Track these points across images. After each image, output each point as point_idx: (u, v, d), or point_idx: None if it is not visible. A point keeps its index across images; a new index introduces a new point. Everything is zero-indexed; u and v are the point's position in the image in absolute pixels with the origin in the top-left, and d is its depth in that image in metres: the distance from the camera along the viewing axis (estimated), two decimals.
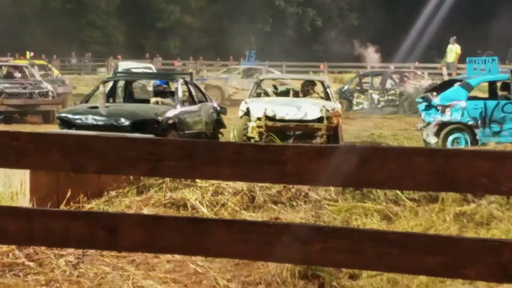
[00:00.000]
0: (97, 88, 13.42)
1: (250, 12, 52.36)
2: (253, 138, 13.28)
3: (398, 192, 7.17)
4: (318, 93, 15.80)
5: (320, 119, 13.49)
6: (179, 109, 13.00)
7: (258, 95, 15.35)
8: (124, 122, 12.00)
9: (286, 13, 56.61)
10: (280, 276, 5.15)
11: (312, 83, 16.46)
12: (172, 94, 14.33)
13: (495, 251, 2.41)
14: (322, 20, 57.90)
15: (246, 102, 14.24)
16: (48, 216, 2.78)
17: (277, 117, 13.50)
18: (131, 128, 11.76)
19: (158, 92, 15.10)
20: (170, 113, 12.60)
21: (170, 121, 12.45)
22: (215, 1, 54.27)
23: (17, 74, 22.08)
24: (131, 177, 7.31)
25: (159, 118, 12.15)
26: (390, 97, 23.63)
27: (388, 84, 24.56)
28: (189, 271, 5.40)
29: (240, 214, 6.97)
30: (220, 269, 5.40)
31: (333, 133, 13.51)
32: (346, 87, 25.52)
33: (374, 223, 6.56)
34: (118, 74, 16.66)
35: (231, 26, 52.24)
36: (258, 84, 15.81)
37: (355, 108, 24.30)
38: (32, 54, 37.43)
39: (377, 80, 25.55)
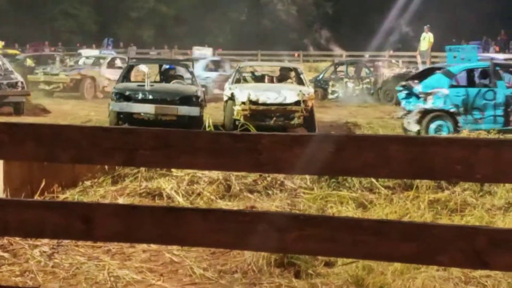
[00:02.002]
0: (125, 69, 17.63)
1: (225, 1, 52.16)
2: (238, 119, 14.39)
3: (373, 180, 7.22)
4: (292, 79, 17.55)
5: (297, 102, 14.96)
6: (199, 88, 16.58)
7: (238, 81, 16.96)
8: (175, 97, 15.35)
9: (261, 2, 56.49)
10: (256, 264, 5.17)
11: (287, 70, 18.49)
12: (180, 76, 18.64)
13: (469, 238, 2.43)
14: (296, 9, 57.84)
15: (230, 88, 15.84)
16: (23, 207, 2.76)
17: (260, 101, 15.01)
18: (179, 102, 15.21)
19: (169, 75, 18.86)
20: (199, 91, 16.04)
21: (201, 97, 15.83)
22: None
23: None
24: (106, 167, 7.28)
25: (198, 93, 15.73)
26: (365, 86, 23.70)
27: (363, 72, 24.63)
28: (165, 261, 5.40)
29: (216, 203, 6.98)
30: (196, 258, 5.41)
31: (309, 114, 15.08)
32: (321, 76, 25.57)
33: (350, 211, 6.59)
34: (132, 60, 19.96)
35: (206, 15, 52.04)
36: (238, 71, 17.50)
37: (330, 96, 24.36)
38: (3, 43, 37.16)
39: (352, 69, 25.62)
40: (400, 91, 14.55)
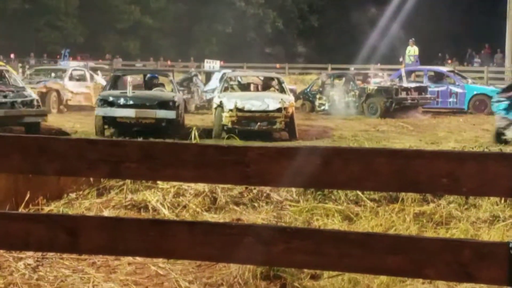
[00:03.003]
0: (111, 79, 19.42)
1: (211, 13, 52.26)
2: (227, 125, 16.65)
3: (359, 192, 7.22)
4: (274, 87, 19.33)
5: (279, 109, 16.71)
6: (177, 94, 18.29)
7: (226, 89, 18.77)
8: (153, 102, 16.94)
9: (247, 14, 56.62)
10: (242, 277, 5.15)
11: (270, 79, 20.18)
12: (162, 84, 20.43)
13: (455, 251, 2.44)
14: (282, 22, 58.03)
15: (219, 97, 17.61)
16: (8, 219, 2.74)
17: (245, 109, 16.73)
18: (158, 107, 16.78)
19: (152, 83, 20.30)
20: (176, 97, 17.64)
21: (178, 102, 17.32)
22: (175, 2, 54.03)
23: None
24: (91, 179, 7.25)
25: (175, 99, 17.34)
26: (350, 99, 23.78)
27: (349, 85, 24.72)
28: (150, 273, 5.37)
29: (201, 215, 6.96)
30: (181, 271, 5.38)
31: (289, 120, 16.84)
32: (308, 88, 25.63)
33: (335, 224, 6.59)
34: (117, 71, 21.37)
35: (192, 27, 52.11)
36: (225, 80, 19.43)
37: (317, 109, 24.42)
38: None
39: (338, 82, 25.69)
40: (499, 101, 14.57)
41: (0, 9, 48.61)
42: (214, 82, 25.01)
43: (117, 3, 52.91)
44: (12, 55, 41.81)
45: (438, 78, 25.83)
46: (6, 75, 18.66)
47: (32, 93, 17.87)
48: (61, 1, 51.21)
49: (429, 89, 24.12)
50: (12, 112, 16.36)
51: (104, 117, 16.83)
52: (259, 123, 16.67)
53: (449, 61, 41.46)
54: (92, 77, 26.41)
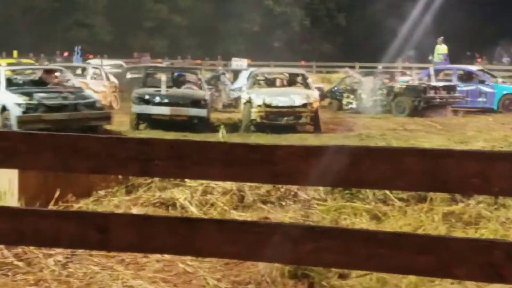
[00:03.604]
0: (144, 76, 20.80)
1: (238, 11, 52.29)
2: (255, 120, 17.86)
3: (387, 191, 7.19)
4: (300, 83, 20.32)
5: (304, 105, 17.93)
6: (206, 92, 19.43)
7: (254, 85, 19.81)
8: (187, 100, 18.09)
9: (274, 12, 56.60)
10: (269, 275, 5.15)
11: (296, 75, 21.28)
12: (189, 82, 21.11)
13: (485, 251, 2.42)
14: (310, 20, 57.89)
15: (248, 93, 18.70)
16: (39, 216, 2.77)
17: (273, 105, 17.85)
18: (191, 105, 17.90)
19: (180, 81, 21.19)
20: (206, 95, 18.87)
21: (208, 100, 18.62)
22: (203, 1, 54.16)
23: (51, 80, 17.34)
24: (120, 176, 7.29)
25: (206, 97, 18.55)
26: (378, 97, 23.66)
27: (377, 84, 24.57)
28: (178, 271, 5.39)
29: (229, 213, 6.97)
30: (209, 269, 5.40)
31: (314, 115, 18.05)
32: (336, 87, 25.54)
33: (363, 223, 6.57)
34: (150, 68, 22.53)
35: (219, 25, 52.18)
36: (253, 77, 20.38)
37: (345, 108, 24.33)
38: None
39: (366, 80, 25.56)
40: None
41: (29, 8, 49.08)
42: (242, 80, 25.10)
43: (145, 2, 53.16)
44: (42, 54, 42.20)
45: (467, 77, 25.60)
46: (62, 75, 18.23)
47: (92, 94, 17.27)
48: (89, 0, 51.59)
49: (459, 89, 23.92)
50: (77, 115, 15.43)
51: (139, 114, 17.99)
52: (286, 118, 17.80)
53: (479, 60, 41.08)
54: (107, 76, 26.39)
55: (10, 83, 16.27)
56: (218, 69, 30.18)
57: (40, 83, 16.85)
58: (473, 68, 27.61)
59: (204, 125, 17.80)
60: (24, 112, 14.85)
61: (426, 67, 27.88)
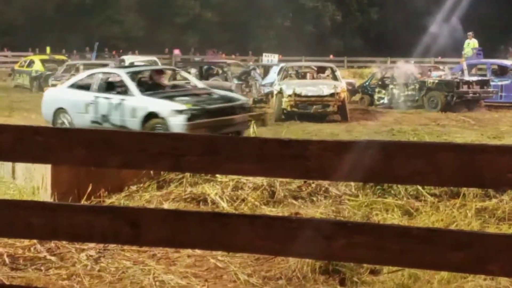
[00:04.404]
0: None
1: (269, 7, 52.20)
2: (286, 108, 19.07)
3: (419, 187, 7.13)
4: (329, 75, 21.71)
5: (332, 95, 19.10)
6: (232, 83, 21.05)
7: (285, 77, 21.29)
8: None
9: (306, 7, 56.41)
10: (300, 271, 5.15)
11: (324, 68, 22.77)
12: (217, 74, 23.02)
13: None
14: (342, 15, 57.65)
15: (279, 84, 20.02)
16: (72, 211, 2.79)
17: (303, 94, 19.14)
18: None
19: (209, 73, 22.97)
20: (232, 86, 20.64)
21: (234, 90, 19.50)
22: None
23: (161, 80, 15.62)
24: (152, 172, 7.33)
25: (232, 88, 19.97)
26: (410, 92, 23.47)
27: (409, 79, 24.38)
28: (209, 266, 5.41)
29: (260, 209, 6.97)
30: (240, 264, 5.41)
31: (341, 104, 19.21)
32: (367, 82, 25.39)
33: (395, 219, 6.53)
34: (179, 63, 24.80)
35: (250, 21, 52.15)
36: (285, 70, 22.02)
37: (376, 103, 24.17)
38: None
39: (397, 75, 25.35)
40: None
41: (62, 4, 49.50)
42: (272, 75, 25.16)
43: None
44: (74, 51, 42.58)
45: (502, 71, 25.28)
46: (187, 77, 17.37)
47: (239, 95, 16.33)
48: None
49: (493, 83, 23.64)
50: (237, 119, 14.12)
51: None
52: (314, 107, 19.04)
53: None
54: None
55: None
56: (249, 64, 30.23)
57: (156, 85, 15.30)
58: (507, 62, 27.26)
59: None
60: (189, 119, 13.29)
61: (458, 62, 27.63)
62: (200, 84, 16.50)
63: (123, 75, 14.81)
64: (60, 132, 2.74)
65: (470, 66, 25.86)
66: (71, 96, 14.93)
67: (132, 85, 14.36)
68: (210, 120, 13.50)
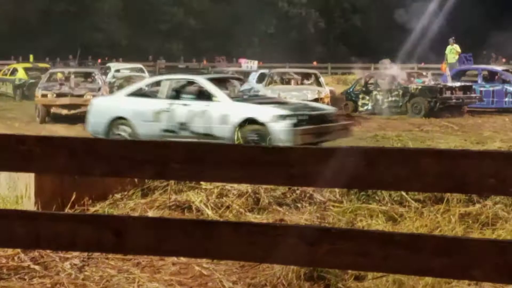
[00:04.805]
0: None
1: (253, 14, 52.30)
2: None
3: (403, 193, 7.16)
4: (313, 82, 22.79)
5: (316, 100, 19.67)
6: None
7: (270, 83, 21.95)
8: None
9: (289, 14, 56.58)
10: (285, 278, 5.14)
11: (309, 75, 23.80)
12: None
13: (503, 252, 2.41)
14: (325, 22, 57.82)
15: (264, 90, 18.77)
16: (55, 220, 2.78)
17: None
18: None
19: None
20: None
21: None
22: (218, 3, 54.23)
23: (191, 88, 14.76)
24: (136, 179, 7.31)
25: None
26: (394, 98, 23.57)
27: (393, 85, 24.48)
28: (194, 274, 5.40)
29: (245, 216, 6.97)
30: (225, 271, 5.40)
31: None
32: (351, 88, 25.48)
33: (379, 224, 6.55)
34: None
35: (234, 28, 52.21)
36: (269, 76, 22.75)
37: (360, 109, 24.26)
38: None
39: (381, 81, 25.46)
40: None
41: (45, 12, 49.34)
42: (251, 82, 25.26)
43: (160, 5, 53.31)
44: (58, 58, 42.43)
45: (492, 77, 25.35)
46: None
47: (325, 105, 15.79)
48: (105, 3, 51.78)
49: (484, 89, 23.71)
50: (335, 127, 13.65)
51: None
52: None
53: (503, 60, 40.72)
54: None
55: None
56: (227, 70, 30.31)
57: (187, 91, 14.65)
58: (498, 68, 27.35)
59: None
60: (295, 125, 12.82)
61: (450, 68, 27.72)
62: (270, 93, 16.94)
63: (203, 81, 14.34)
64: (43, 141, 2.72)
65: (462, 72, 25.99)
66: (134, 104, 14.06)
67: (218, 91, 13.89)
68: (315, 127, 13.09)
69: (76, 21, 50.02)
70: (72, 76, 22.72)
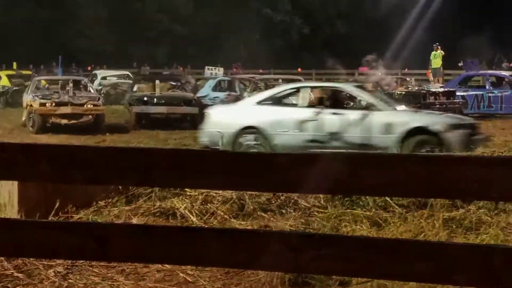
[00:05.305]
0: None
1: (238, 20, 52.33)
2: None
3: (388, 198, 7.18)
4: None
5: None
6: (192, 94, 23.90)
7: (254, 89, 21.93)
8: (180, 100, 22.11)
9: (274, 21, 56.66)
10: (270, 284, 5.15)
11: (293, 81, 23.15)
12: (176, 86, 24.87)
13: (485, 257, 2.42)
14: (309, 28, 57.95)
15: (249, 96, 19.07)
16: (38, 227, 2.76)
17: None
18: (184, 104, 21.95)
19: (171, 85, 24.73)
20: (195, 96, 23.51)
21: (197, 100, 22.74)
22: (203, 10, 54.21)
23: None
24: (120, 186, 7.29)
25: (195, 98, 23.05)
26: None
27: (376, 91, 24.53)
28: (179, 280, 5.38)
29: (229, 222, 6.96)
30: (210, 278, 5.39)
31: None
32: None
33: (364, 230, 6.56)
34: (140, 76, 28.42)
35: (219, 35, 52.21)
36: (255, 83, 23.10)
37: None
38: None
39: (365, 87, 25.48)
40: None
41: (29, 19, 49.15)
42: (206, 89, 25.60)
43: (146, 12, 53.24)
44: (42, 66, 42.25)
45: (500, 83, 25.29)
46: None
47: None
48: (90, 10, 51.63)
49: (492, 95, 23.71)
50: None
51: (139, 113, 20.71)
52: None
53: (510, 64, 40.90)
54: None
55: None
56: (188, 77, 30.78)
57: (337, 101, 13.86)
58: (506, 73, 27.36)
59: (197, 121, 18.90)
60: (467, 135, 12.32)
61: (425, 74, 27.83)
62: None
63: (352, 89, 13.70)
64: (25, 148, 2.71)
65: (469, 78, 26.04)
66: (268, 113, 13.25)
67: (375, 100, 13.16)
68: (476, 138, 12.47)
69: (60, 28, 49.82)
70: (71, 85, 21.56)
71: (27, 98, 21.18)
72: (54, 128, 19.71)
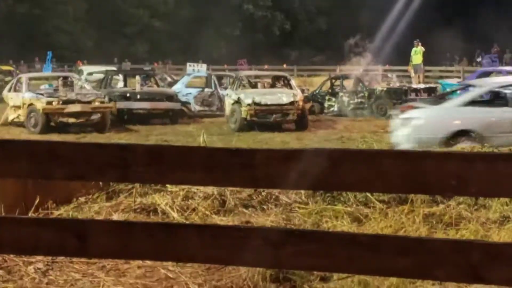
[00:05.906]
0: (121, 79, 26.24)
1: (218, 16, 52.26)
2: (245, 117, 19.15)
3: (368, 194, 7.20)
4: (283, 85, 21.88)
5: (291, 103, 19.36)
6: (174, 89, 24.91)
7: (239, 86, 21.19)
8: (162, 96, 22.55)
9: (255, 17, 56.66)
10: (251, 279, 5.15)
11: (279, 77, 22.76)
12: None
13: (464, 252, 2.43)
14: (290, 24, 57.99)
15: (236, 93, 20.11)
16: (17, 224, 2.74)
17: (262, 103, 19.31)
18: (166, 99, 22.28)
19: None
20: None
21: (178, 95, 23.88)
22: (184, 6, 54.09)
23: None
24: (101, 183, 7.25)
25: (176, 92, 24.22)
26: (359, 100, 23.72)
27: (358, 87, 24.64)
28: (160, 276, 5.37)
29: (211, 218, 6.95)
30: (191, 274, 5.38)
31: (301, 112, 19.56)
32: (317, 90, 25.58)
33: (345, 226, 6.57)
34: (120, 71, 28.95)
35: (200, 30, 52.14)
36: (239, 79, 21.76)
37: (326, 111, 24.37)
38: None
39: (347, 83, 25.62)
40: None
41: (8, 14, 48.79)
42: (179, 85, 25.64)
43: (126, 7, 53.03)
44: (22, 61, 41.96)
45: None
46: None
47: None
48: (69, 6, 51.36)
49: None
50: None
51: (123, 109, 20.73)
52: (274, 115, 19.24)
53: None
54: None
55: None
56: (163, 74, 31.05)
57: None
58: None
59: (179, 116, 21.67)
60: None
61: (406, 70, 27.89)
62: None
63: None
64: (5, 144, 2.69)
65: (487, 74, 26.07)
66: (481, 114, 12.33)
67: None
68: None
69: (40, 23, 49.52)
70: (76, 82, 20.84)
71: (19, 96, 19.89)
72: (59, 128, 18.98)
